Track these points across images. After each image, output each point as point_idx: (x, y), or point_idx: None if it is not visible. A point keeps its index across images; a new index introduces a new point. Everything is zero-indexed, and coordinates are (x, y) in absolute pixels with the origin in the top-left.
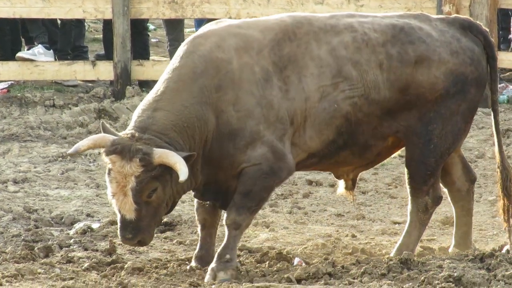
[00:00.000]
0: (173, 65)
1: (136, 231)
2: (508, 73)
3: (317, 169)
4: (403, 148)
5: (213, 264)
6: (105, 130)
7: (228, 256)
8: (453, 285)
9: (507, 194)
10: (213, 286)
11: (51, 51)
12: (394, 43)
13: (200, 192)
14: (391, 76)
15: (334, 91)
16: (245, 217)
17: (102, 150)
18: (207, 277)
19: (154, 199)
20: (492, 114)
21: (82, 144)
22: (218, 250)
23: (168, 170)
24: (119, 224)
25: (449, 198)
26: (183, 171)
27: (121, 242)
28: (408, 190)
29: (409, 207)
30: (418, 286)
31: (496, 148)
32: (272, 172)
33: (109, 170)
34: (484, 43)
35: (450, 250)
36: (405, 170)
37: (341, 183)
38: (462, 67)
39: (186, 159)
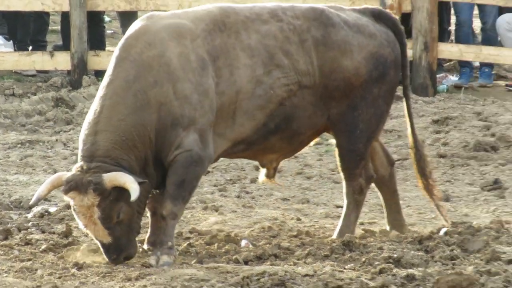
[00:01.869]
0: (107, 77)
1: (118, 250)
2: (447, 64)
3: (243, 156)
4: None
5: (156, 252)
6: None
7: (170, 244)
8: (393, 265)
9: (422, 173)
10: (165, 267)
11: (11, 42)
12: (318, 26)
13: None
14: (319, 61)
15: (269, 79)
16: (181, 207)
17: (60, 189)
18: (152, 261)
19: (123, 217)
20: (404, 99)
21: (41, 190)
22: (160, 238)
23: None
24: (101, 248)
25: (374, 185)
26: (133, 189)
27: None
28: (342, 175)
29: (345, 190)
30: (360, 266)
31: (408, 130)
32: (200, 160)
33: (72, 206)
34: (394, 29)
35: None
36: (337, 157)
37: (262, 172)
38: (381, 49)
39: (141, 185)
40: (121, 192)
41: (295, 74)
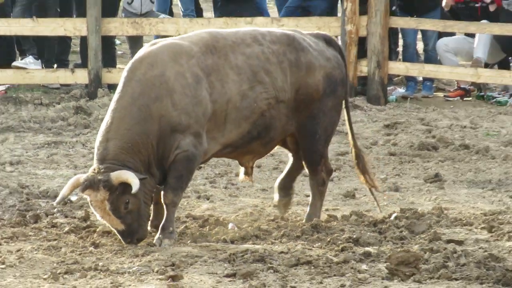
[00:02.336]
0: (117, 94)
1: (131, 234)
2: (396, 78)
3: (227, 157)
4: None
5: (159, 234)
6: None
7: (171, 229)
8: (353, 244)
9: (362, 169)
10: (166, 246)
11: (39, 61)
12: (291, 51)
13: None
14: (292, 79)
15: (253, 93)
16: (179, 197)
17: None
18: (156, 243)
19: (131, 207)
20: (345, 110)
21: (65, 191)
22: (162, 224)
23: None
24: (117, 234)
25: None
26: (134, 183)
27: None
28: (307, 171)
29: (310, 183)
30: (325, 245)
31: (349, 135)
32: (194, 158)
33: (89, 201)
34: (340, 54)
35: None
36: (302, 157)
37: (242, 170)
38: (334, 70)
39: (141, 180)
40: (126, 187)
41: (273, 90)
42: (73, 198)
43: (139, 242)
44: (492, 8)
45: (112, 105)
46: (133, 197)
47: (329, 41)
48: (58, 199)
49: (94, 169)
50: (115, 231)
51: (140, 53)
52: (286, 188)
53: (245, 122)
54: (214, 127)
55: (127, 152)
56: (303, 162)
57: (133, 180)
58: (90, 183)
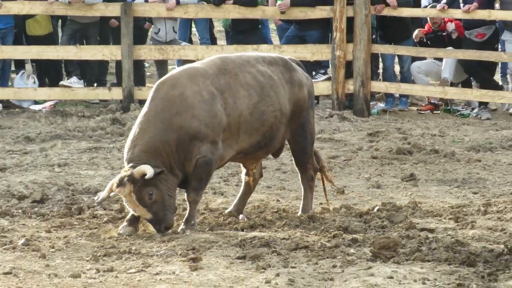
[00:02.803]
0: (144, 109)
1: (159, 222)
2: (377, 95)
3: (237, 161)
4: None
5: (182, 226)
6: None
7: (192, 222)
8: (342, 232)
9: (320, 170)
10: (187, 232)
11: (82, 80)
12: (285, 71)
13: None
14: (289, 94)
15: (262, 105)
16: (200, 196)
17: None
18: (179, 232)
19: (155, 198)
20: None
21: (104, 194)
22: (185, 217)
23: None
24: (153, 225)
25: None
26: (148, 171)
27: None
28: (298, 169)
29: (301, 180)
30: (320, 233)
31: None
32: (211, 162)
33: (123, 199)
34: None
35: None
36: (293, 158)
37: (244, 172)
38: (311, 87)
39: (158, 173)
40: (148, 180)
41: (278, 103)
42: (111, 194)
43: (167, 230)
44: (454, 36)
45: (139, 118)
46: (155, 189)
47: (297, 63)
48: (100, 199)
49: (124, 170)
50: (146, 221)
51: (164, 77)
52: (239, 212)
53: (256, 133)
54: (229, 136)
55: (150, 155)
56: (294, 163)
57: (148, 169)
58: (119, 182)
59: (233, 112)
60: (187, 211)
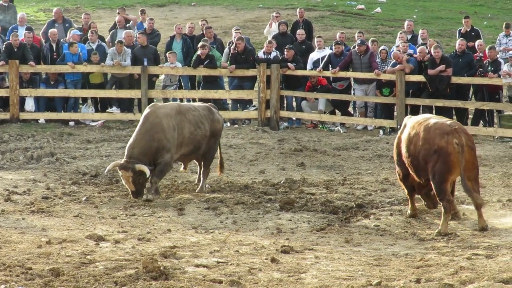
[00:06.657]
0: (138, 127)
1: (139, 195)
2: (283, 118)
3: (179, 160)
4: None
5: (149, 193)
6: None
7: (153, 191)
8: (263, 194)
9: (220, 165)
10: (149, 196)
11: (119, 109)
12: (209, 114)
13: None
14: (210, 126)
15: (196, 132)
16: (159, 180)
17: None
18: (144, 197)
19: (141, 181)
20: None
21: (109, 168)
22: (151, 189)
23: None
24: (132, 194)
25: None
26: (147, 171)
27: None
28: (203, 166)
29: (203, 172)
30: (250, 195)
31: (219, 150)
32: (169, 163)
33: (121, 176)
34: (218, 115)
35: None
36: (203, 160)
37: (182, 166)
38: (222, 122)
39: (150, 170)
40: (141, 173)
41: (204, 130)
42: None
43: (141, 198)
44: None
45: (136, 131)
46: (143, 177)
47: (216, 108)
48: (106, 171)
49: (126, 161)
50: (130, 192)
51: (148, 109)
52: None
53: (191, 145)
54: (178, 147)
55: (142, 155)
56: (202, 162)
57: (147, 170)
58: (123, 167)
59: (181, 136)
60: (151, 186)
